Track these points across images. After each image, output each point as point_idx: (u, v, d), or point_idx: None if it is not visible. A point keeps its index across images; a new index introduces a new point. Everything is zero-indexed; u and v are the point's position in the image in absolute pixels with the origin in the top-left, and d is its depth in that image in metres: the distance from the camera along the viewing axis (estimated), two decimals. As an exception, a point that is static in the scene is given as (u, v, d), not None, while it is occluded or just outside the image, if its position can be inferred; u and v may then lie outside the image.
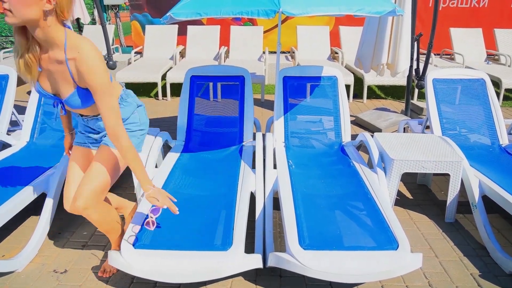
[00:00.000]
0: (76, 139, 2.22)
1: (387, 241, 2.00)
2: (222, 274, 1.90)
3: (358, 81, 6.50)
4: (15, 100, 3.45)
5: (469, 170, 2.75)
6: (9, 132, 3.57)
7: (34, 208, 2.88)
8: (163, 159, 3.07)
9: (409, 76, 4.71)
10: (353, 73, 5.99)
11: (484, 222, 2.56)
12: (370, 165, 2.94)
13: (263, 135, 3.08)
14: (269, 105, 5.66)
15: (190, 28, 7.04)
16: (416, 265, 1.92)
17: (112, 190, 3.23)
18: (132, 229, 2.10)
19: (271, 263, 2.05)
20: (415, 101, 5.67)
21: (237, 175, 2.72)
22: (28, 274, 2.27)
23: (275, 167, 2.85)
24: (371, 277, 1.85)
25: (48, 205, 2.58)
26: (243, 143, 3.23)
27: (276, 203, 2.92)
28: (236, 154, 3.08)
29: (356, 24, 7.17)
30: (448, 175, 3.45)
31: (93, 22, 8.16)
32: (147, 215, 2.09)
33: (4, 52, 6.82)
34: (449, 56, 7.30)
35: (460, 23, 7.70)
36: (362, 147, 3.31)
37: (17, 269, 2.28)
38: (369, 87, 6.52)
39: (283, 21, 7.78)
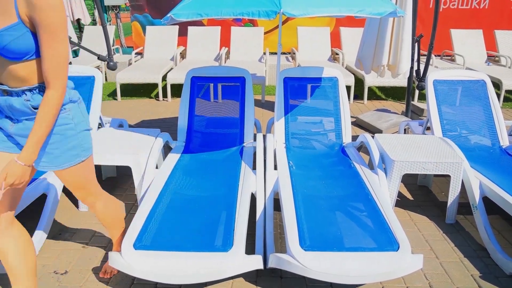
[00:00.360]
0: None
1: (387, 242, 2.00)
2: (222, 275, 1.90)
3: (359, 82, 6.50)
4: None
5: (470, 171, 2.75)
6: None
7: (34, 209, 2.88)
8: (164, 160, 3.07)
9: (409, 77, 4.71)
10: (353, 74, 5.99)
11: (485, 223, 2.55)
12: (370, 166, 2.94)
13: (264, 136, 3.08)
14: (269, 106, 5.66)
15: (190, 29, 7.04)
16: (416, 266, 1.92)
17: (112, 191, 3.23)
18: (132, 230, 2.10)
19: (271, 264, 2.05)
20: (415, 102, 5.67)
21: (237, 176, 2.72)
22: (28, 275, 2.26)
23: (275, 168, 2.85)
24: (372, 278, 1.85)
25: (49, 206, 2.58)
26: (244, 144, 3.23)
27: (277, 204, 2.92)
28: (236, 155, 3.08)
29: (357, 25, 7.17)
30: (448, 176, 3.45)
31: (93, 22, 8.17)
32: None
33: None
34: (449, 57, 7.30)
35: (461, 24, 7.71)
36: (362, 148, 3.31)
37: (18, 270, 2.27)
38: (369, 88, 6.52)
39: (283, 22, 7.78)
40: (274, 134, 3.25)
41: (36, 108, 1.58)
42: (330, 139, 3.28)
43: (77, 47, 5.47)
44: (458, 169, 2.71)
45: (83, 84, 3.44)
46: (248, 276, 2.25)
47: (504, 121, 3.38)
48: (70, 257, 2.43)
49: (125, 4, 7.84)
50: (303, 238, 2.03)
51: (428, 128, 3.58)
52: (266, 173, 2.70)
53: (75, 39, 4.07)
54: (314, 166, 2.91)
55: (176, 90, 6.36)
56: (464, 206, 3.01)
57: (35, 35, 1.47)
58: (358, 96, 6.12)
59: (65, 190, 3.18)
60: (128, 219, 2.83)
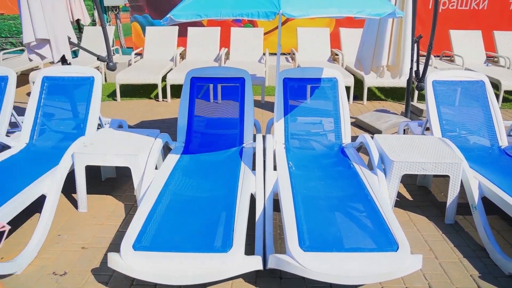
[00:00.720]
0: None
1: (387, 243, 2.00)
2: (222, 276, 1.90)
3: (358, 82, 6.50)
4: (14, 102, 3.44)
5: (469, 171, 2.75)
6: (8, 133, 3.57)
7: (33, 210, 2.87)
8: (163, 160, 3.07)
9: (409, 78, 4.71)
10: (353, 74, 5.99)
11: (484, 223, 2.55)
12: (370, 166, 2.94)
13: (263, 137, 3.08)
14: (269, 106, 5.66)
15: (190, 29, 7.05)
16: (416, 267, 1.93)
17: (112, 191, 3.23)
18: (132, 231, 2.09)
19: (271, 265, 2.05)
20: (415, 102, 5.67)
21: (237, 176, 2.72)
22: (27, 276, 2.26)
23: (275, 168, 2.85)
24: (371, 278, 1.85)
25: (48, 207, 2.58)
26: (243, 145, 3.23)
27: (276, 205, 2.92)
28: (236, 155, 3.08)
29: (356, 26, 7.18)
30: (448, 176, 3.45)
31: (93, 23, 8.17)
32: None
33: (4, 53, 6.83)
34: (448, 58, 7.31)
35: (460, 25, 7.72)
36: (362, 148, 3.31)
37: (16, 271, 2.27)
38: (369, 89, 6.52)
39: (283, 23, 7.78)
40: (274, 135, 3.25)
41: None
42: (329, 139, 3.29)
43: (76, 48, 5.48)
44: (457, 170, 2.71)
45: (83, 85, 3.44)
46: (248, 277, 2.25)
47: (503, 122, 3.38)
48: (70, 258, 2.43)
49: (125, 4, 7.84)
50: (302, 239, 2.03)
51: (428, 129, 3.58)
52: (266, 174, 2.70)
53: (74, 39, 4.06)
54: (314, 167, 2.91)
55: (176, 90, 6.36)
56: (463, 206, 3.01)
57: None
58: (358, 96, 6.13)
59: (64, 191, 3.18)
60: (128, 220, 2.83)
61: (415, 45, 4.45)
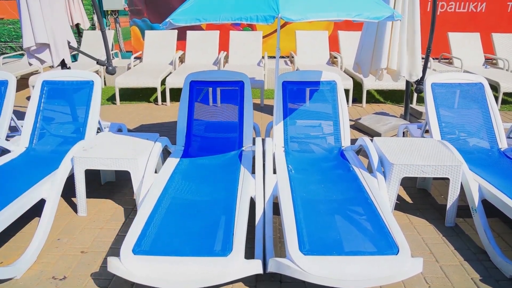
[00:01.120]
0: None
1: (387, 246, 2.00)
2: (222, 280, 1.89)
3: (357, 85, 6.51)
4: (14, 106, 3.44)
5: (469, 174, 2.75)
6: (8, 137, 3.56)
7: (33, 214, 2.87)
8: (163, 164, 3.07)
9: (408, 81, 4.71)
10: (352, 77, 6.01)
11: (484, 226, 2.55)
12: (369, 169, 2.94)
13: (263, 140, 3.08)
14: (268, 110, 5.67)
15: (189, 33, 7.06)
16: (416, 270, 1.92)
17: (111, 195, 3.23)
18: (131, 235, 2.09)
19: (271, 268, 2.04)
20: (414, 105, 5.68)
21: (236, 180, 2.72)
22: (26, 281, 2.26)
23: (274, 172, 2.85)
24: (372, 282, 1.85)
25: (47, 211, 2.57)
26: (243, 148, 3.23)
27: (276, 208, 2.91)
28: (235, 159, 3.08)
29: (355, 29, 7.19)
30: (447, 179, 3.45)
31: (92, 27, 8.18)
32: None
33: (4, 58, 6.83)
34: (447, 61, 7.32)
35: (458, 28, 7.74)
36: (361, 151, 3.31)
37: (16, 276, 2.26)
38: (368, 92, 6.53)
39: (282, 26, 7.80)
40: (273, 138, 3.25)
41: None
42: (329, 142, 3.29)
43: (76, 52, 5.48)
44: (457, 172, 2.71)
45: (82, 89, 3.45)
46: (248, 281, 2.24)
47: (502, 124, 3.38)
48: (69, 262, 2.42)
49: (124, 8, 7.86)
50: (302, 242, 2.02)
51: (427, 131, 3.59)
52: (265, 177, 2.70)
53: (74, 44, 4.07)
54: (313, 170, 2.91)
55: (175, 94, 6.36)
56: (463, 209, 3.01)
57: None
58: (357, 99, 6.13)
59: (64, 195, 3.18)
60: (127, 223, 2.83)
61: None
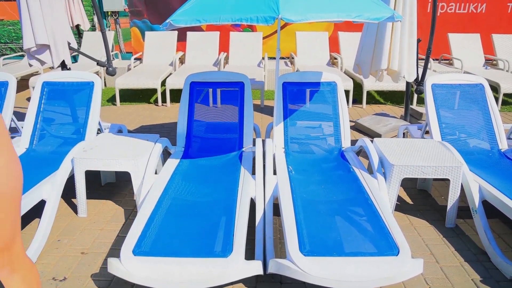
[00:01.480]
0: None
1: (387, 247, 2.00)
2: (222, 281, 1.89)
3: (357, 86, 6.51)
4: (14, 107, 3.45)
5: (469, 175, 2.75)
6: (8, 138, 3.56)
7: (33, 215, 2.87)
8: (163, 165, 3.07)
9: (408, 82, 4.71)
10: (352, 78, 6.01)
11: (485, 227, 2.55)
12: (370, 170, 2.94)
13: (263, 141, 3.08)
14: (268, 111, 5.67)
15: (189, 34, 7.06)
16: (417, 271, 1.92)
17: (111, 196, 3.22)
18: (131, 236, 2.09)
19: (271, 269, 2.04)
20: (414, 106, 5.68)
21: (237, 181, 2.72)
22: (27, 281, 2.25)
23: (275, 173, 2.85)
24: (372, 283, 1.85)
25: (47, 212, 2.57)
26: (243, 149, 3.23)
27: (276, 209, 2.91)
28: (236, 160, 3.08)
29: (355, 30, 7.20)
30: (448, 180, 3.44)
31: (93, 28, 8.19)
32: None
33: (4, 59, 6.84)
34: (447, 61, 7.32)
35: (458, 29, 7.74)
36: (361, 152, 3.31)
37: (16, 276, 2.26)
38: (368, 93, 6.53)
39: (282, 27, 7.81)
40: (273, 139, 3.25)
41: None
42: (329, 143, 3.29)
43: (76, 53, 5.49)
44: (457, 173, 2.71)
45: (82, 90, 3.45)
46: (248, 282, 2.24)
47: (502, 125, 3.38)
48: (69, 263, 2.42)
49: (124, 9, 7.86)
50: (302, 243, 2.02)
51: (427, 132, 3.59)
52: (266, 178, 2.70)
53: (74, 45, 4.08)
54: (314, 171, 2.91)
55: (175, 95, 6.37)
56: (463, 210, 3.01)
57: None
58: (357, 100, 6.13)
59: (64, 196, 3.18)
60: (127, 225, 2.83)
61: (415, 49, 4.46)
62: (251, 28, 7.85)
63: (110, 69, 5.00)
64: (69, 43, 3.96)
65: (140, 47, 7.65)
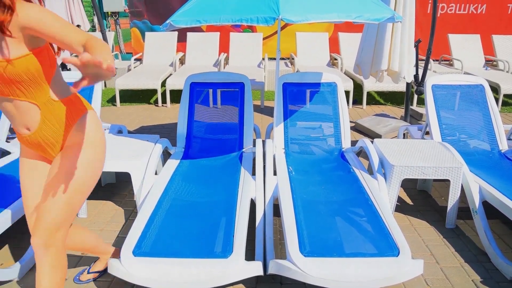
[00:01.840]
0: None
1: (388, 248, 2.00)
2: (222, 282, 1.89)
3: (358, 87, 6.51)
4: (14, 107, 3.43)
5: (469, 175, 2.75)
6: (8, 139, 3.56)
7: (33, 215, 2.87)
8: (163, 166, 3.06)
9: (408, 82, 4.72)
10: (352, 79, 6.01)
11: (485, 228, 2.55)
12: (370, 171, 2.94)
13: (263, 142, 3.08)
14: (268, 111, 5.67)
15: (189, 34, 7.07)
16: (417, 272, 1.92)
17: (111, 197, 3.22)
18: (131, 237, 2.09)
19: (271, 270, 2.04)
20: (414, 107, 5.68)
21: (237, 181, 2.72)
22: (26, 283, 2.25)
23: (275, 173, 2.84)
24: (372, 283, 1.84)
25: (48, 213, 2.57)
26: (243, 150, 3.23)
27: (277, 210, 2.91)
28: (236, 160, 3.08)
29: (355, 31, 7.20)
30: (448, 181, 3.45)
31: (93, 29, 8.19)
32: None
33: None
34: (447, 62, 7.33)
35: (459, 29, 7.75)
36: (362, 153, 3.31)
37: (15, 278, 2.26)
38: (368, 93, 6.53)
39: (282, 28, 7.81)
40: (274, 140, 3.25)
41: None
42: (329, 144, 3.28)
43: (76, 54, 5.50)
44: (457, 174, 2.71)
45: (82, 90, 3.45)
46: (248, 283, 2.24)
47: (502, 125, 3.38)
48: (69, 263, 2.41)
49: (124, 10, 7.87)
50: (303, 244, 2.02)
51: (427, 133, 3.58)
52: (266, 179, 2.70)
53: (74, 45, 4.07)
54: (314, 172, 2.91)
55: (175, 96, 6.37)
56: (464, 210, 3.01)
57: None
58: (357, 101, 6.13)
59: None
60: (127, 225, 2.82)
61: (414, 49, 4.46)
62: (251, 29, 7.85)
63: (110, 69, 5.00)
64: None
65: (140, 48, 7.65)
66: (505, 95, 6.52)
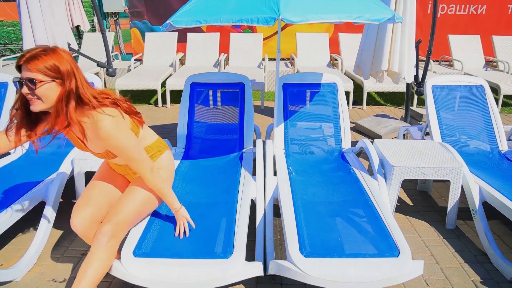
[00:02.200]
0: None
1: (388, 248, 1.99)
2: (223, 282, 1.89)
3: (358, 87, 6.51)
4: (14, 108, 3.43)
5: (469, 176, 2.75)
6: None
7: (33, 216, 2.86)
8: (163, 166, 3.05)
9: (408, 83, 4.72)
10: (352, 79, 6.01)
11: (485, 228, 2.55)
12: (370, 171, 2.94)
13: (263, 142, 3.07)
14: (268, 112, 5.67)
15: (190, 35, 7.07)
16: (417, 272, 1.91)
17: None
18: (132, 237, 2.08)
19: (272, 270, 2.04)
20: (414, 107, 5.68)
21: (237, 182, 2.71)
22: (26, 283, 2.25)
23: (275, 174, 2.84)
24: (373, 284, 1.84)
25: (47, 214, 2.57)
26: (243, 150, 3.23)
27: (277, 210, 2.91)
28: (236, 161, 3.07)
29: (355, 31, 7.21)
30: (448, 181, 3.44)
31: (93, 29, 8.20)
32: None
33: (4, 60, 6.83)
34: (447, 63, 7.33)
35: (459, 30, 7.75)
36: (362, 153, 3.31)
37: (15, 278, 2.26)
38: (368, 94, 6.53)
39: (282, 28, 7.81)
40: (274, 140, 3.24)
41: None
42: (329, 144, 3.28)
43: (76, 54, 5.49)
44: (458, 174, 2.71)
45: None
46: (248, 283, 2.24)
47: (502, 126, 3.38)
48: (69, 265, 2.41)
49: (124, 10, 7.87)
50: (303, 245, 2.02)
51: (427, 133, 3.58)
52: (266, 179, 2.69)
53: (74, 45, 4.08)
54: (314, 172, 2.91)
55: (176, 96, 6.37)
56: (463, 211, 3.01)
57: None
58: (357, 101, 6.14)
59: (64, 198, 3.17)
60: (128, 226, 2.82)
61: (414, 50, 4.47)
62: (251, 29, 7.85)
63: (110, 70, 5.00)
64: (69, 44, 3.96)
65: (140, 48, 7.66)
66: (505, 96, 6.53)
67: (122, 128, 1.80)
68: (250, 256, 2.43)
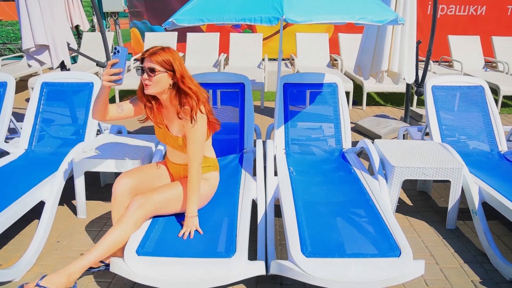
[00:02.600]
0: None
1: (389, 248, 1.99)
2: (226, 281, 1.88)
3: (358, 88, 6.52)
4: (13, 108, 3.44)
5: (469, 176, 2.75)
6: (7, 139, 3.55)
7: (32, 216, 2.86)
8: (163, 166, 3.05)
9: (408, 83, 4.72)
10: (352, 80, 6.01)
11: (485, 228, 2.55)
12: (371, 171, 2.94)
13: (264, 142, 3.07)
14: (268, 112, 5.67)
15: (189, 35, 7.06)
16: (418, 273, 1.92)
17: (111, 198, 3.21)
18: (135, 236, 2.08)
19: (273, 270, 2.03)
20: (414, 108, 5.69)
21: (238, 182, 2.71)
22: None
23: (276, 174, 2.84)
24: (374, 284, 1.84)
25: (46, 213, 2.56)
26: (244, 150, 3.23)
27: (278, 210, 2.91)
28: (236, 161, 3.07)
29: (355, 31, 7.21)
30: (447, 181, 3.45)
31: (92, 29, 8.18)
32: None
33: (3, 60, 6.82)
34: (447, 63, 7.34)
35: (458, 31, 7.76)
36: (362, 154, 3.31)
37: (15, 278, 2.25)
38: (368, 94, 6.54)
39: (283, 28, 7.81)
40: (274, 140, 3.24)
41: None
42: (330, 145, 3.28)
43: (75, 54, 5.48)
44: (458, 175, 2.71)
45: (82, 91, 3.44)
46: (248, 283, 2.24)
47: (502, 127, 3.39)
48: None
49: (124, 10, 7.86)
50: (304, 245, 2.02)
51: (427, 134, 3.59)
52: (267, 179, 2.69)
53: (73, 45, 4.07)
54: (315, 172, 2.91)
55: (175, 96, 6.35)
56: (463, 211, 3.01)
57: None
58: (357, 102, 6.14)
59: (63, 197, 3.16)
60: (128, 225, 2.81)
61: (415, 50, 4.47)
62: (251, 29, 7.85)
63: (110, 69, 4.99)
64: (68, 44, 3.95)
65: (140, 48, 7.65)
66: (504, 97, 6.54)
67: (201, 119, 2.15)
68: (250, 256, 2.42)
